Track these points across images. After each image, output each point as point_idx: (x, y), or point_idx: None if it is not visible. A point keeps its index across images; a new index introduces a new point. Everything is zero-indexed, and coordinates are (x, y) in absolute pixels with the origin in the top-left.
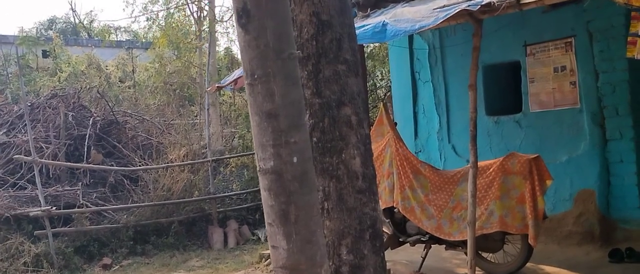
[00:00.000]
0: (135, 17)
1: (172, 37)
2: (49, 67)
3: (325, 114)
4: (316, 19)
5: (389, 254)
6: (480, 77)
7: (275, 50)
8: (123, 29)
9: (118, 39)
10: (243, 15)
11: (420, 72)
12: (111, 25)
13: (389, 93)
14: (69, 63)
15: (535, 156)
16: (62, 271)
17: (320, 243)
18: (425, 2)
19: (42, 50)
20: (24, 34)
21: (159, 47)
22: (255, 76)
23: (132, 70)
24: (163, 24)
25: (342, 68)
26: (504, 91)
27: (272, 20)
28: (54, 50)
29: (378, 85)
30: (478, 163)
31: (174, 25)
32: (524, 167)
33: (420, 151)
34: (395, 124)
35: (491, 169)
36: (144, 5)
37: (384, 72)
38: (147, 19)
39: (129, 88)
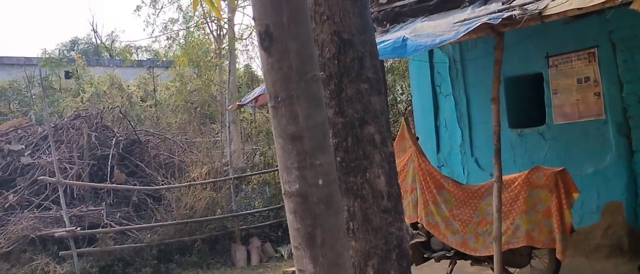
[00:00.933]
0: (156, 36)
1: (192, 55)
2: (71, 88)
3: (348, 133)
4: (337, 38)
5: (414, 271)
6: (503, 89)
7: (299, 72)
8: (144, 49)
9: (139, 59)
10: (266, 38)
11: (441, 86)
12: (132, 45)
13: (409, 107)
14: (91, 84)
15: (561, 168)
16: None
17: (347, 265)
18: (445, 16)
19: (65, 72)
20: (47, 56)
21: (179, 66)
22: (279, 99)
23: (154, 89)
24: (183, 43)
25: (365, 87)
26: (527, 103)
27: (295, 42)
28: (77, 71)
29: (398, 99)
30: (503, 177)
31: (193, 43)
32: (550, 181)
33: (442, 165)
34: (417, 138)
35: (516, 183)
36: (164, 24)
37: (404, 86)
38: (168, 38)
39: (151, 107)
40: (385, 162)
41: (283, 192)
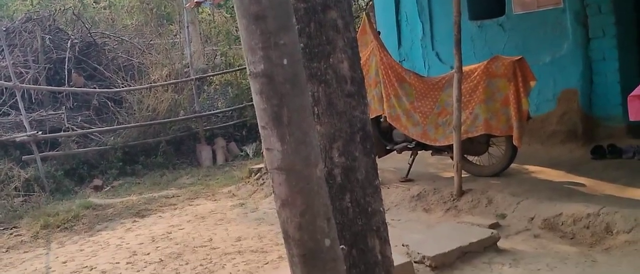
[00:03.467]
0: None
1: None
2: None
3: (311, 18)
4: None
5: (377, 163)
6: None
7: None
8: None
9: None
10: None
11: None
12: None
13: (371, 2)
14: None
15: (519, 57)
16: (53, 194)
17: (313, 143)
18: None
19: None
20: None
21: None
22: None
23: None
24: None
25: None
26: None
27: None
28: None
29: None
30: (462, 68)
31: None
32: (508, 70)
33: (404, 60)
34: (379, 33)
35: (475, 74)
36: None
37: None
38: None
39: (105, 9)
40: (348, 47)
41: (248, 73)
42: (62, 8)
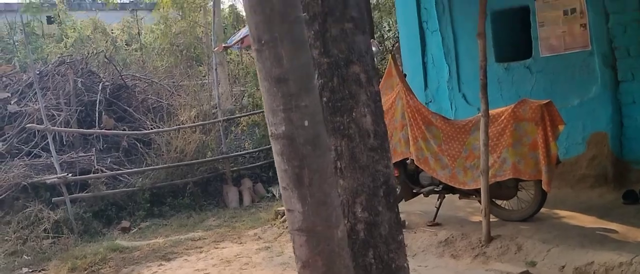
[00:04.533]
0: None
1: None
2: (54, 34)
3: (334, 73)
4: None
5: (403, 206)
6: (489, 23)
7: (281, 14)
8: None
9: (121, 1)
10: None
11: (428, 22)
12: None
13: (397, 44)
14: (74, 28)
15: (547, 101)
16: (82, 236)
17: (335, 204)
18: None
19: (47, 17)
20: (28, 1)
21: (163, 8)
22: (263, 41)
23: (138, 32)
24: None
25: (349, 26)
26: (514, 36)
27: None
28: (59, 16)
29: (386, 36)
30: (489, 111)
31: None
32: (536, 113)
33: (430, 102)
34: (405, 75)
35: (503, 117)
36: None
37: (391, 22)
38: None
39: (136, 51)
40: (371, 101)
41: (270, 134)
42: (95, 51)
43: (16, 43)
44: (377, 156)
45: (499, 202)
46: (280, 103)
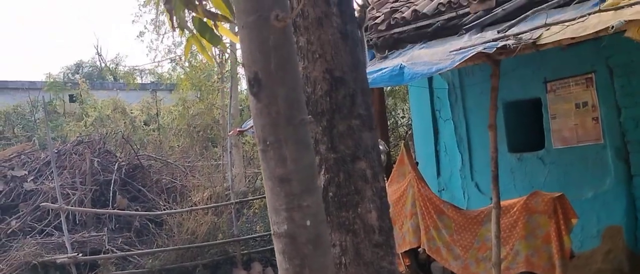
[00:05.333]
0: (159, 62)
1: (194, 79)
2: (75, 112)
3: (340, 168)
4: (329, 76)
5: None
6: (502, 114)
7: (287, 117)
8: (148, 71)
9: (143, 82)
10: (255, 84)
11: (441, 111)
12: (136, 69)
13: (410, 131)
14: (94, 108)
15: (559, 194)
16: None
17: None
18: (442, 44)
19: (69, 95)
20: (51, 80)
21: (182, 90)
22: (268, 142)
23: (157, 113)
24: (187, 65)
25: (356, 123)
26: (526, 127)
27: (283, 88)
28: (81, 95)
29: (399, 123)
30: (501, 203)
31: (196, 65)
32: (549, 206)
33: (443, 189)
34: (417, 163)
35: (515, 209)
36: (168, 48)
37: (405, 109)
38: (171, 61)
39: (154, 131)
40: (376, 197)
41: (272, 232)
42: (113, 131)
43: (37, 121)
44: (381, 252)
45: None
46: (283, 202)
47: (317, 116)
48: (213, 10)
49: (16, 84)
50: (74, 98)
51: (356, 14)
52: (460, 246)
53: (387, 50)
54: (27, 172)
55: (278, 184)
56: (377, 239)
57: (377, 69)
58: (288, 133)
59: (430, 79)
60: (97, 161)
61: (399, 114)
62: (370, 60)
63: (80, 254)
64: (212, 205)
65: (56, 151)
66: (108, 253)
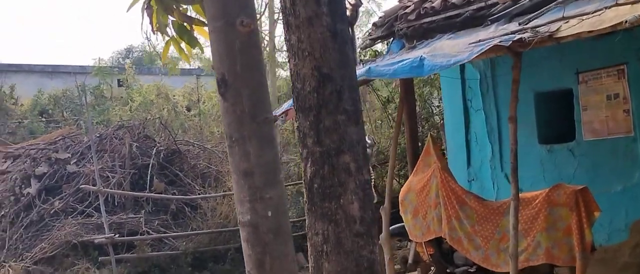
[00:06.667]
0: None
1: None
2: (122, 97)
3: (325, 161)
4: (317, 73)
5: None
6: (533, 105)
7: (251, 115)
8: (196, 56)
9: (189, 67)
10: (222, 85)
11: (472, 100)
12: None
13: (442, 121)
14: (139, 93)
15: (582, 187)
16: None
17: None
18: (469, 34)
19: (117, 80)
20: (100, 65)
21: None
22: (233, 139)
23: (198, 99)
24: None
25: (342, 118)
26: (557, 118)
27: (248, 88)
28: (127, 80)
29: (434, 111)
30: (524, 194)
31: None
32: (570, 199)
33: (473, 180)
34: (443, 153)
35: (537, 201)
36: None
37: (441, 98)
38: None
39: (195, 116)
40: (359, 189)
41: (238, 221)
42: (155, 116)
43: (84, 105)
44: (362, 242)
45: None
46: (247, 194)
47: (305, 111)
48: (193, 15)
49: (67, 69)
50: (121, 83)
51: (348, 13)
52: (481, 236)
53: (415, 41)
54: (70, 155)
55: (242, 178)
56: (358, 229)
57: (398, 60)
58: (252, 130)
59: (462, 69)
60: (136, 145)
61: (433, 103)
62: (400, 49)
63: (118, 235)
64: None
65: (98, 135)
66: (144, 235)
